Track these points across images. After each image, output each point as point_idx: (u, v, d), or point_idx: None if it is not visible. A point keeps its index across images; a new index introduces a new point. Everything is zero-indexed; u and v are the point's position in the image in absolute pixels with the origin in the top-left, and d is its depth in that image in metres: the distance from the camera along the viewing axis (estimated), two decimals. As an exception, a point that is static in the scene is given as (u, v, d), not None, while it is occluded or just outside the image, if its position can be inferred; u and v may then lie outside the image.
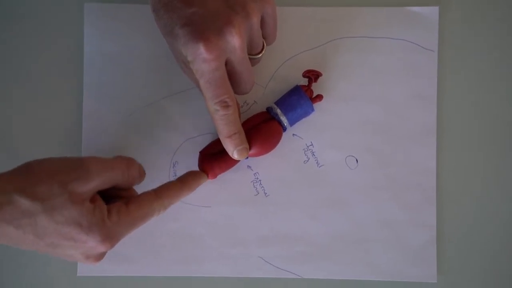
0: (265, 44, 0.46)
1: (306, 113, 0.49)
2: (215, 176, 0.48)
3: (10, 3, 0.51)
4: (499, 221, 0.51)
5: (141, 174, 0.45)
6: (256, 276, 0.50)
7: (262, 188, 0.51)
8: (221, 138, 0.45)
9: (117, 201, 0.43)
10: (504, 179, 0.51)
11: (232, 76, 0.44)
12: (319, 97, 0.49)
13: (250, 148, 0.47)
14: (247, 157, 0.47)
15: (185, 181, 0.46)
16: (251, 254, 0.50)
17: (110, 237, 0.41)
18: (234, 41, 0.41)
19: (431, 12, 0.51)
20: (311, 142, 0.51)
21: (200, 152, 0.49)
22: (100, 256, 0.43)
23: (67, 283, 0.51)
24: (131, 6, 0.50)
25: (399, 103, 0.51)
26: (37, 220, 0.38)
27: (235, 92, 0.45)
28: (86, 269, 0.50)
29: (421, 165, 0.50)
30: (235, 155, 0.46)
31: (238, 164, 0.49)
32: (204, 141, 0.50)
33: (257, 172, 0.51)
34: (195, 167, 0.48)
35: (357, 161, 0.51)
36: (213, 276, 0.50)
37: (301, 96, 0.48)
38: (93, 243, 0.41)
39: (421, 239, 0.50)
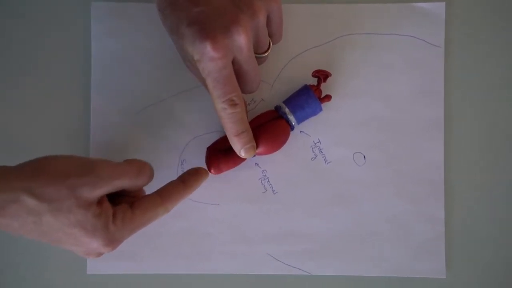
0: (271, 43, 0.46)
1: (314, 113, 0.49)
2: (220, 171, 0.48)
3: (17, 3, 0.51)
4: (508, 214, 0.51)
5: (150, 176, 0.44)
6: (264, 273, 0.50)
7: (270, 185, 0.51)
8: (228, 137, 0.45)
9: (122, 199, 0.43)
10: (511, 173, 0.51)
11: (239, 75, 0.44)
12: (328, 97, 0.49)
13: (257, 147, 0.47)
14: (254, 155, 0.47)
15: (187, 182, 0.45)
16: (260, 251, 0.50)
17: (113, 241, 0.41)
18: (241, 39, 0.41)
19: (438, 8, 0.50)
20: (318, 139, 0.51)
21: (208, 148, 0.49)
22: (100, 254, 0.44)
23: (76, 281, 0.51)
24: (137, 4, 0.51)
25: (406, 99, 0.51)
26: (43, 219, 0.39)
27: (242, 91, 0.45)
28: (96, 267, 0.50)
29: (429, 160, 0.50)
30: (242, 154, 0.46)
31: (245, 161, 0.49)
32: (211, 139, 0.50)
33: (265, 170, 0.51)
34: (203, 165, 0.48)
35: (364, 157, 0.51)
36: (221, 273, 0.51)
37: (310, 96, 0.48)
38: (95, 246, 0.41)
39: (429, 234, 0.50)
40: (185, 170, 0.46)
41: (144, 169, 0.43)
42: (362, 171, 0.51)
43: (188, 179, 0.45)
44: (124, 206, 0.42)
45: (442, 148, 0.50)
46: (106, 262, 0.50)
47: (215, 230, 0.51)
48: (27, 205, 0.38)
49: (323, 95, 0.49)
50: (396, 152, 0.51)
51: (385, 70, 0.51)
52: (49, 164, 0.40)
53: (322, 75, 0.49)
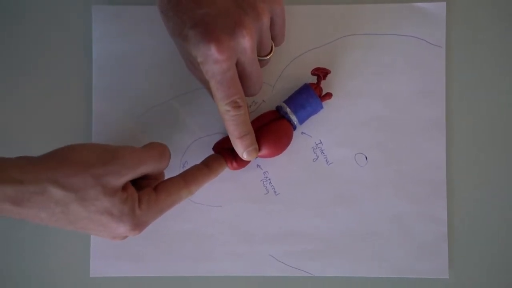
0: (273, 46, 0.46)
1: (316, 111, 0.49)
2: (233, 168, 0.47)
3: (18, 6, 0.51)
4: (511, 214, 0.51)
5: (169, 159, 0.45)
6: (267, 275, 0.51)
7: (272, 187, 0.51)
8: (231, 139, 0.45)
9: (143, 182, 0.44)
10: (514, 174, 0.51)
11: (242, 77, 0.44)
12: (329, 95, 0.49)
13: (261, 148, 0.47)
14: (256, 157, 0.47)
15: (211, 166, 0.46)
16: (262, 252, 0.50)
17: (139, 225, 0.42)
18: (245, 42, 0.41)
19: (438, 7, 0.50)
20: (320, 140, 0.51)
21: (215, 147, 0.49)
22: (125, 237, 0.45)
23: (80, 284, 0.51)
24: (138, 7, 0.51)
25: (407, 99, 0.51)
26: (70, 208, 0.39)
27: (245, 94, 0.45)
28: (99, 270, 0.50)
29: (431, 160, 0.50)
30: (244, 156, 0.46)
31: (247, 163, 0.49)
32: (212, 141, 0.49)
33: (267, 171, 0.51)
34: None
35: (366, 158, 0.51)
36: (224, 275, 0.51)
37: (311, 94, 0.48)
38: (122, 230, 0.42)
39: (432, 235, 0.50)
40: None
41: (165, 152, 0.44)
42: (364, 171, 0.51)
43: (212, 164, 0.46)
44: (148, 190, 0.43)
45: (444, 148, 0.50)
46: (109, 265, 0.50)
47: (217, 232, 0.51)
48: (54, 196, 0.38)
49: (323, 93, 0.49)
50: (397, 152, 0.51)
51: (386, 71, 0.51)
52: (73, 153, 0.40)
53: (321, 73, 0.49)
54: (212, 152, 0.49)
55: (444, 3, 0.50)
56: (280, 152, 0.48)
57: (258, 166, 0.51)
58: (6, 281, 0.51)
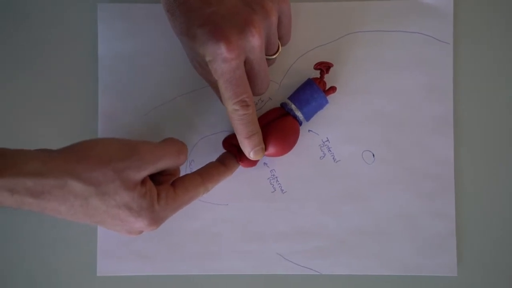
0: (280, 45, 0.46)
1: (321, 106, 0.48)
2: (244, 165, 0.47)
3: (23, 5, 0.51)
4: (519, 212, 0.51)
5: (187, 155, 0.45)
6: (274, 273, 0.50)
7: (279, 185, 0.51)
8: (239, 139, 0.45)
9: (160, 178, 0.44)
10: (522, 170, 0.51)
11: (249, 76, 0.43)
12: (333, 88, 0.49)
13: (268, 147, 0.47)
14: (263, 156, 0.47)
15: (227, 164, 0.47)
16: (269, 251, 0.50)
17: (157, 220, 0.42)
18: (254, 40, 0.41)
19: (446, 3, 0.50)
20: (327, 137, 0.51)
21: (224, 143, 0.48)
22: (141, 232, 0.45)
23: (87, 283, 0.51)
24: (144, 5, 0.50)
25: (415, 96, 0.50)
26: (89, 202, 0.39)
27: (252, 93, 0.44)
28: (105, 269, 0.50)
29: (439, 156, 0.50)
30: (251, 156, 0.46)
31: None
32: (218, 139, 0.49)
33: (274, 169, 0.51)
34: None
35: (373, 155, 0.50)
36: (231, 273, 0.50)
37: (315, 89, 0.48)
38: (140, 225, 0.42)
39: (440, 231, 0.50)
40: (193, 170, 0.46)
41: (183, 149, 0.44)
42: (371, 168, 0.50)
43: (228, 162, 0.47)
44: (166, 185, 0.43)
45: (452, 144, 0.50)
46: (116, 264, 0.50)
47: (224, 230, 0.50)
48: (74, 190, 0.38)
49: (327, 87, 0.49)
50: (405, 149, 0.50)
51: (394, 67, 0.50)
52: (93, 147, 0.40)
53: (324, 67, 0.48)
54: (221, 147, 0.49)
55: (452, -1, 0.50)
56: (288, 151, 0.48)
57: (265, 164, 0.50)
58: (12, 280, 0.51)
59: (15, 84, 0.51)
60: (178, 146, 0.44)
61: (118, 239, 0.50)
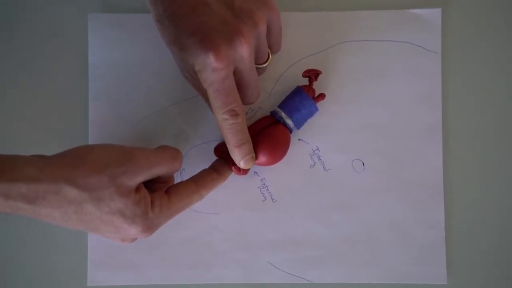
0: (270, 54, 0.46)
1: (311, 113, 0.48)
2: (237, 173, 0.47)
3: (14, 13, 0.51)
4: (509, 218, 0.51)
5: (182, 163, 0.45)
6: (265, 282, 0.50)
7: (270, 194, 0.51)
8: (229, 148, 0.45)
9: (154, 185, 0.44)
10: (511, 176, 0.51)
11: (239, 85, 0.44)
12: (322, 95, 0.49)
13: (259, 156, 0.47)
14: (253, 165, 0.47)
15: (220, 170, 0.47)
16: (260, 259, 0.50)
17: (150, 227, 0.42)
18: (243, 50, 0.41)
19: (434, 14, 0.51)
20: (317, 146, 0.51)
21: (215, 151, 0.48)
22: (135, 240, 0.45)
23: (77, 293, 0.51)
24: (134, 15, 0.51)
25: (404, 105, 0.51)
26: (83, 208, 0.39)
27: (242, 102, 0.44)
28: (96, 279, 0.50)
29: (428, 165, 0.50)
30: (241, 164, 0.46)
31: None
32: (209, 148, 0.50)
33: (264, 178, 0.51)
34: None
35: (363, 164, 0.51)
36: (223, 282, 0.50)
37: (304, 96, 0.48)
38: (133, 232, 0.42)
39: (430, 240, 0.50)
40: (185, 179, 0.46)
41: (178, 156, 0.44)
42: (361, 177, 0.51)
43: (221, 168, 0.47)
44: (161, 193, 0.43)
45: (441, 153, 0.50)
46: (106, 274, 0.50)
47: (215, 240, 0.50)
48: (68, 195, 0.38)
49: (316, 95, 0.49)
50: (394, 158, 0.51)
51: (383, 77, 0.51)
52: (89, 153, 0.41)
53: (312, 74, 0.49)
54: (212, 156, 0.49)
55: (440, 9, 0.51)
56: (279, 159, 0.48)
57: (255, 173, 0.51)
58: (3, 291, 0.51)
59: (4, 92, 0.51)
60: (172, 152, 0.44)
61: (109, 249, 0.50)
